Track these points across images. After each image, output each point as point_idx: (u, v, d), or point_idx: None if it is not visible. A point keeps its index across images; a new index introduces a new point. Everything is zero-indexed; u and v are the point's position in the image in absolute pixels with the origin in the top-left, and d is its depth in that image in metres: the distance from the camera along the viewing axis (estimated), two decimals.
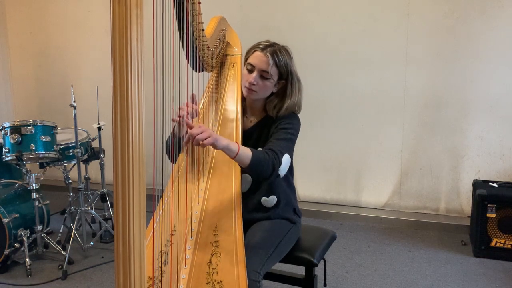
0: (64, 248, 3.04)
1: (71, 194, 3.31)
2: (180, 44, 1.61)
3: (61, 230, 3.28)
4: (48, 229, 3.18)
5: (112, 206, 3.51)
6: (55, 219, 3.56)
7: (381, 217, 3.67)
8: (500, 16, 3.29)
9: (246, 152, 1.63)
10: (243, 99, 1.92)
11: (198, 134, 1.53)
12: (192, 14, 1.58)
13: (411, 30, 3.51)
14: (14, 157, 2.81)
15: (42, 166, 3.11)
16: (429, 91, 3.53)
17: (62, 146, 3.07)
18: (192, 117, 1.73)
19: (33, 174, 2.93)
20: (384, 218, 3.66)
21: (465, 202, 3.53)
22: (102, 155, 3.41)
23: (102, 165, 3.45)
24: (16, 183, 3.17)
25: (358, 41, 3.64)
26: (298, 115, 1.91)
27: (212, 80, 2.01)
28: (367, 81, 3.65)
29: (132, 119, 0.95)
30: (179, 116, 1.68)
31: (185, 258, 1.54)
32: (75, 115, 2.99)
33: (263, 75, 1.80)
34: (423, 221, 3.55)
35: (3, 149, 2.86)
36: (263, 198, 1.85)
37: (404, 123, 3.62)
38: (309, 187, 3.93)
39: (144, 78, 0.96)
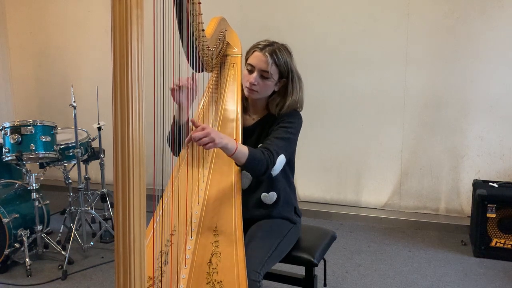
0: (64, 248, 3.04)
1: (71, 194, 3.31)
2: (181, 44, 1.61)
3: (61, 230, 3.28)
4: (48, 229, 3.18)
5: (112, 206, 3.51)
6: (55, 219, 3.56)
7: (381, 217, 3.67)
8: (500, 16, 3.29)
9: (243, 151, 1.66)
10: (245, 98, 1.93)
11: (200, 139, 1.55)
12: (192, 14, 1.58)
13: (411, 30, 3.51)
14: (14, 157, 2.81)
15: (42, 166, 3.11)
16: (429, 91, 3.53)
17: (62, 146, 3.07)
18: (193, 100, 1.73)
19: (33, 174, 2.93)
20: (384, 218, 3.66)
21: (465, 202, 3.53)
22: (102, 155, 3.41)
23: (102, 165, 3.45)
24: (16, 183, 3.17)
25: (358, 41, 3.64)
26: (300, 112, 1.91)
27: (212, 80, 2.01)
28: (367, 81, 3.65)
29: (132, 119, 0.95)
30: (177, 85, 1.70)
31: (185, 258, 1.54)
32: (75, 115, 2.99)
33: (263, 74, 1.81)
34: (423, 221, 3.55)
35: (3, 149, 2.86)
36: (263, 194, 1.86)
37: (404, 123, 3.62)
38: (309, 187, 3.93)
39: (144, 78, 0.96)
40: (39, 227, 2.94)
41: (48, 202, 3.11)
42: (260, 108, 1.92)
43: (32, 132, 2.83)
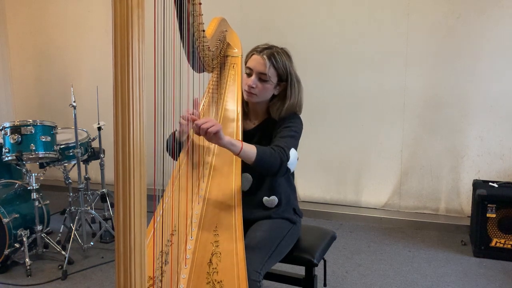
0: (64, 248, 3.04)
1: (71, 194, 3.31)
2: (181, 44, 1.61)
3: (61, 230, 3.28)
4: (48, 229, 3.18)
5: (112, 206, 3.51)
6: (55, 219, 3.56)
7: (381, 217, 3.67)
8: (500, 16, 3.29)
9: (251, 148, 1.66)
10: (246, 103, 1.93)
11: (203, 124, 1.56)
12: (193, 15, 1.58)
13: (411, 30, 3.51)
14: (14, 157, 2.81)
15: (42, 166, 3.11)
16: (429, 91, 3.53)
17: (62, 146, 3.07)
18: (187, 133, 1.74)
19: (33, 174, 2.93)
20: (384, 218, 3.66)
21: (465, 202, 3.54)
22: (102, 155, 3.41)
23: (102, 165, 3.45)
24: (16, 183, 3.17)
25: (358, 41, 3.64)
26: (301, 116, 1.91)
27: (213, 81, 2.01)
28: (367, 81, 3.65)
29: (133, 119, 0.95)
30: (181, 122, 1.72)
31: (186, 258, 1.54)
32: (75, 115, 2.99)
33: (261, 77, 1.81)
34: (423, 221, 3.55)
35: (3, 149, 2.86)
36: (265, 198, 1.86)
37: (404, 123, 3.62)
38: (309, 187, 3.93)
39: (145, 78, 0.96)
40: (39, 227, 2.94)
41: (48, 202, 3.11)
42: (260, 112, 1.92)
43: (32, 132, 2.83)
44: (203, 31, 1.66)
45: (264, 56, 1.80)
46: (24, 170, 2.96)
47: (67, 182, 3.31)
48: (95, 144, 3.40)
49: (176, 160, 1.82)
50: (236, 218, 1.63)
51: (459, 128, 3.49)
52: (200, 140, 1.85)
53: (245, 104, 1.94)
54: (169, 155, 1.85)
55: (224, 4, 3.84)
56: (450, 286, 2.67)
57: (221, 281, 1.48)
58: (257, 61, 1.81)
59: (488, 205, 2.99)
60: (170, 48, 1.39)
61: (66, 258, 2.89)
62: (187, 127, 1.73)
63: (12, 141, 2.81)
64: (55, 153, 2.94)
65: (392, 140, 3.66)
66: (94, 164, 3.89)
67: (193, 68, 1.72)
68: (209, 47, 1.74)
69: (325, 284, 2.16)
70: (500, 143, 3.42)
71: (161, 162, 1.55)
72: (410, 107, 3.59)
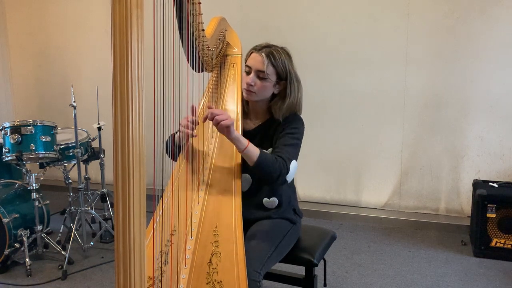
0: (64, 248, 3.04)
1: (71, 194, 3.30)
2: (181, 44, 1.61)
3: (61, 230, 3.28)
4: (48, 229, 3.18)
5: (112, 206, 3.51)
6: (55, 219, 3.56)
7: (381, 217, 3.67)
8: (500, 16, 3.29)
9: (255, 150, 1.70)
10: (246, 103, 1.93)
11: (218, 115, 1.61)
12: (193, 14, 1.58)
13: (411, 30, 3.51)
14: (14, 157, 2.81)
15: (42, 166, 3.11)
16: (429, 91, 3.53)
17: (62, 146, 3.07)
18: (193, 129, 1.75)
19: (33, 174, 2.93)
20: (384, 218, 3.66)
21: (465, 202, 3.53)
22: (102, 155, 3.41)
23: (102, 165, 3.45)
24: (16, 183, 3.17)
25: (358, 41, 3.64)
26: (301, 116, 1.91)
27: (212, 81, 2.01)
28: (367, 81, 3.65)
29: (132, 119, 0.95)
30: (181, 130, 1.73)
31: (185, 258, 1.54)
32: (75, 115, 2.99)
33: (260, 75, 1.81)
34: (423, 221, 3.55)
35: (3, 149, 2.86)
36: (265, 200, 1.86)
37: (404, 123, 3.62)
38: (309, 187, 3.93)
39: (144, 78, 0.96)
40: (39, 227, 2.94)
41: (48, 202, 3.11)
42: (261, 112, 1.92)
43: (32, 132, 2.83)
44: (203, 30, 1.66)
45: (263, 54, 1.80)
46: (24, 170, 2.96)
47: (67, 182, 3.31)
48: (95, 144, 3.40)
49: (176, 160, 1.82)
50: (236, 218, 1.63)
51: (459, 128, 3.49)
52: (200, 142, 1.85)
53: (245, 104, 1.94)
54: (168, 156, 1.85)
55: (224, 4, 3.84)
56: (450, 286, 2.67)
57: (221, 281, 1.48)
58: (255, 59, 1.82)
59: (488, 205, 2.99)
60: (170, 48, 1.39)
61: (66, 258, 2.89)
62: (187, 134, 1.73)
63: (12, 141, 2.81)
64: (55, 153, 2.94)
65: (392, 140, 3.66)
66: (94, 164, 3.89)
67: (192, 67, 1.72)
68: (208, 47, 1.73)
69: (325, 284, 2.16)
70: (500, 143, 3.42)
71: (161, 162, 1.54)
72: (410, 107, 3.59)
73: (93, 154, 3.37)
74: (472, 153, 3.49)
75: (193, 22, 1.59)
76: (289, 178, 1.76)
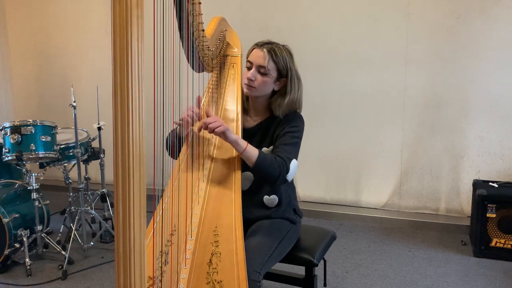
0: (64, 248, 3.04)
1: (71, 194, 3.31)
2: (181, 44, 1.61)
3: (61, 230, 3.28)
4: (48, 229, 3.18)
5: (112, 206, 3.51)
6: (55, 219, 3.56)
7: (381, 217, 3.67)
8: (500, 16, 3.29)
9: (254, 150, 1.72)
10: (246, 99, 1.94)
11: (211, 123, 1.65)
12: (193, 14, 1.58)
13: (411, 30, 3.51)
14: (14, 157, 2.81)
15: (42, 166, 3.11)
16: (429, 91, 3.53)
17: (62, 146, 3.07)
18: (193, 124, 1.76)
19: (33, 174, 2.93)
20: (384, 218, 3.66)
21: (465, 202, 3.53)
22: (102, 155, 3.41)
23: (102, 165, 3.45)
24: (16, 183, 3.17)
25: (358, 41, 3.64)
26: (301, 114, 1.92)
27: (212, 81, 2.01)
28: (367, 81, 3.65)
29: (132, 119, 0.95)
30: (181, 120, 1.75)
31: (185, 258, 1.54)
32: (75, 115, 2.99)
33: (261, 70, 1.82)
34: (423, 221, 3.55)
35: (3, 149, 2.86)
36: (265, 197, 1.86)
37: (404, 123, 3.62)
38: (309, 187, 3.93)
39: (144, 78, 0.96)
40: (39, 227, 2.94)
41: (48, 202, 3.11)
42: (261, 109, 1.92)
43: (32, 132, 2.83)
44: (203, 30, 1.66)
45: (264, 50, 1.82)
46: (24, 170, 2.96)
47: (67, 182, 3.31)
48: (95, 144, 3.40)
49: (175, 158, 1.82)
50: (236, 218, 1.63)
51: (459, 128, 3.49)
52: (200, 141, 1.85)
53: (245, 101, 1.94)
54: (168, 154, 1.85)
55: (224, 4, 3.84)
56: (450, 286, 2.67)
57: (221, 281, 1.48)
58: (257, 55, 1.83)
59: (488, 205, 2.99)
60: (170, 48, 1.39)
61: (66, 258, 2.89)
62: (187, 124, 1.74)
63: (12, 141, 2.81)
64: (55, 153, 2.94)
65: (392, 140, 3.66)
66: (94, 164, 3.89)
67: (192, 67, 1.73)
68: (208, 47, 1.73)
69: (325, 284, 2.16)
70: (500, 143, 3.42)
71: (161, 162, 1.54)
72: (410, 107, 3.59)
73: (93, 154, 3.37)
74: (472, 153, 3.49)
75: (193, 22, 1.59)
76: (289, 177, 1.77)
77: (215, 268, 1.51)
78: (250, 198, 1.84)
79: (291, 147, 1.79)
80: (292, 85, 1.85)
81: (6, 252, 2.81)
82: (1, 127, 2.87)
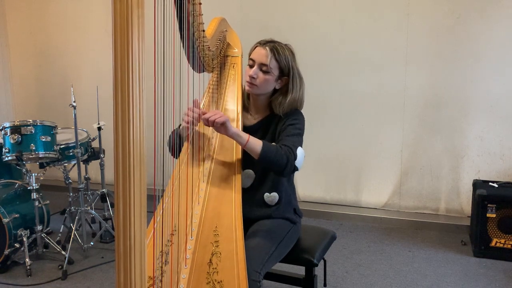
0: (64, 248, 3.04)
1: (71, 194, 3.30)
2: (181, 44, 1.61)
3: (61, 230, 3.28)
4: (48, 229, 3.18)
5: (112, 206, 3.51)
6: (55, 219, 3.56)
7: (381, 217, 3.67)
8: (500, 16, 3.29)
9: (257, 141, 1.70)
10: (247, 97, 1.94)
11: (210, 116, 1.64)
12: (193, 14, 1.58)
13: (411, 30, 3.51)
14: (14, 157, 2.81)
15: (42, 166, 3.11)
16: (429, 91, 3.53)
17: (62, 146, 3.07)
18: (193, 124, 1.76)
19: (33, 174, 2.93)
20: (384, 218, 3.66)
21: (465, 202, 3.53)
22: (102, 155, 3.41)
23: (102, 165, 3.45)
24: (16, 183, 3.17)
25: (358, 41, 3.64)
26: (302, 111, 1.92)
27: (213, 81, 2.01)
28: (367, 81, 3.65)
29: (133, 119, 0.95)
30: (187, 122, 1.75)
31: (186, 258, 1.54)
32: (75, 115, 2.99)
33: (263, 68, 1.82)
34: (423, 221, 3.55)
35: (3, 149, 2.86)
36: (266, 194, 1.86)
37: (404, 123, 3.62)
38: (309, 187, 3.93)
39: (145, 78, 0.96)
40: (39, 227, 2.94)
41: (48, 202, 3.11)
42: (262, 107, 1.93)
43: (32, 132, 2.83)
44: (203, 31, 1.66)
45: (267, 48, 1.82)
46: (24, 170, 2.96)
47: (67, 182, 3.31)
48: (95, 144, 3.40)
49: (176, 157, 1.82)
50: (236, 218, 1.63)
51: (459, 128, 3.49)
52: (201, 140, 1.86)
53: (246, 99, 1.95)
54: (170, 152, 1.85)
55: (224, 4, 3.84)
56: (450, 286, 2.67)
57: (221, 281, 1.48)
58: (259, 53, 1.83)
59: (488, 205, 2.99)
60: (170, 48, 1.39)
61: (66, 258, 2.89)
62: (188, 124, 1.74)
63: (12, 141, 2.81)
64: (55, 153, 2.94)
65: (392, 140, 3.66)
66: (94, 164, 3.89)
67: (193, 68, 1.73)
68: (209, 47, 1.74)
69: (325, 284, 2.16)
70: (500, 143, 3.42)
71: (161, 162, 1.55)
72: (410, 107, 3.59)
73: (93, 154, 3.37)
74: (472, 153, 3.49)
75: (193, 22, 1.59)
76: (298, 164, 1.74)
77: (215, 268, 1.51)
78: (251, 196, 1.84)
79: (295, 137, 1.79)
80: (294, 84, 1.85)
81: (6, 252, 2.81)
82: (1, 127, 2.87)
